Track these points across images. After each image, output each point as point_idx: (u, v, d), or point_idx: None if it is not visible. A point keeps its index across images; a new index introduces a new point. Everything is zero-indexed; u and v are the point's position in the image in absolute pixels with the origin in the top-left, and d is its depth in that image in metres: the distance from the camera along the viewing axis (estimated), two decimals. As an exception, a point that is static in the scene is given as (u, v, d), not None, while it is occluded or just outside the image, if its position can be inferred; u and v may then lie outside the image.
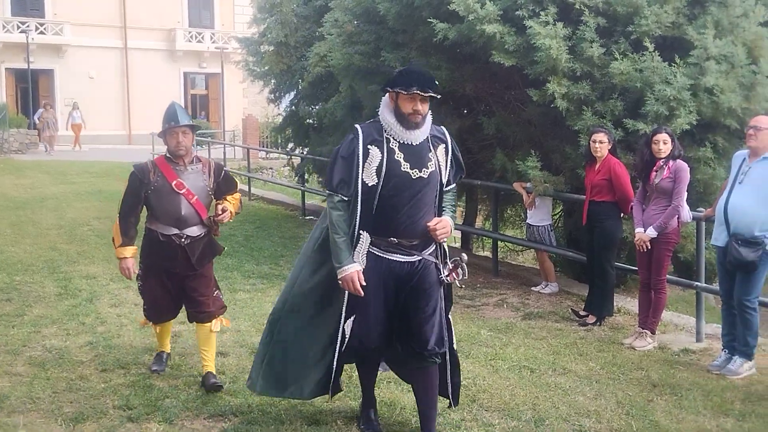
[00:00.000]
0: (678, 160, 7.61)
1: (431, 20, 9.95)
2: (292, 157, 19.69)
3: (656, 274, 7.76)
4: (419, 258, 4.55)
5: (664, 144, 7.55)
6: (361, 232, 4.45)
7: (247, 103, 41.19)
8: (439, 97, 4.57)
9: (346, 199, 4.44)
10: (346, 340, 4.65)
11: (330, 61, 13.02)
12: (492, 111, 11.29)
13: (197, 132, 5.08)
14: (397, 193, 4.39)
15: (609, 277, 8.57)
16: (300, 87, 16.51)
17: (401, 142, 4.43)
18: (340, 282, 4.45)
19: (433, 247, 4.64)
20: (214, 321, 5.77)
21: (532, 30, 9.04)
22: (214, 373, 5.80)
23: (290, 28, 15.91)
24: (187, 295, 5.75)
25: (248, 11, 35.13)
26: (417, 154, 4.45)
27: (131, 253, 5.54)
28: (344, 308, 4.61)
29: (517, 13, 9.38)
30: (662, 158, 7.56)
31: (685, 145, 8.86)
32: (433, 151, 4.53)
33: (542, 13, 9.21)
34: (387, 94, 4.54)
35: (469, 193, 14.22)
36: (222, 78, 41.21)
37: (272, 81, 17.36)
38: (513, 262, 13.98)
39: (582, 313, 8.67)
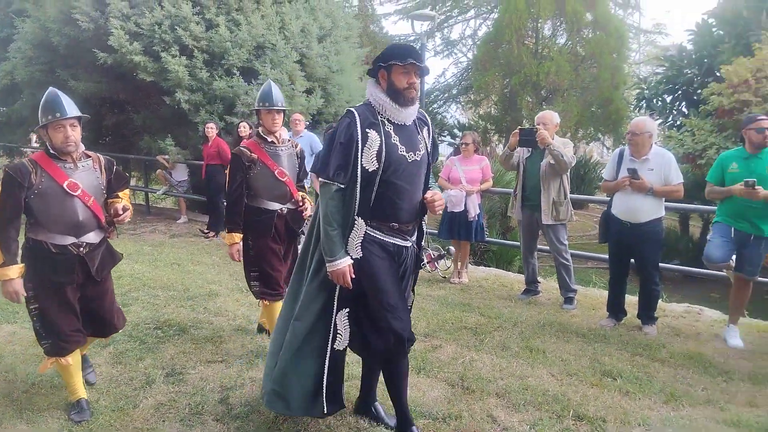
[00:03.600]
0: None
1: (94, 50, 9.50)
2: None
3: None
4: (411, 243, 3.06)
5: (245, 129, 8.05)
6: (356, 218, 2.86)
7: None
8: (428, 70, 3.06)
9: (342, 187, 2.84)
10: (339, 336, 2.94)
11: (16, 76, 11.76)
12: (139, 110, 11.13)
13: None
14: (397, 177, 2.87)
15: (220, 207, 8.86)
16: (-9, 94, 14.43)
17: (395, 123, 2.91)
18: (329, 274, 2.85)
19: (416, 233, 3.11)
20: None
21: (165, 60, 9.16)
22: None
23: (-21, 52, 13.82)
24: (89, 310, 3.40)
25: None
26: (409, 137, 2.95)
27: (17, 272, 3.17)
28: (336, 300, 2.91)
29: (154, 48, 9.33)
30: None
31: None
32: (420, 132, 3.03)
33: (170, 49, 9.37)
34: (377, 76, 2.93)
35: (125, 164, 13.73)
36: None
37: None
38: (159, 206, 13.86)
39: (206, 230, 8.94)
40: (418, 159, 2.95)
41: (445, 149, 26.58)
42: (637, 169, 4.72)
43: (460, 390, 3.70)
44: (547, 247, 5.79)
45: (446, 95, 24.26)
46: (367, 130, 2.83)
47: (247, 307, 5.42)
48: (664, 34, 28.15)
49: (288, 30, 10.19)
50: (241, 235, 4.12)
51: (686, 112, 12.09)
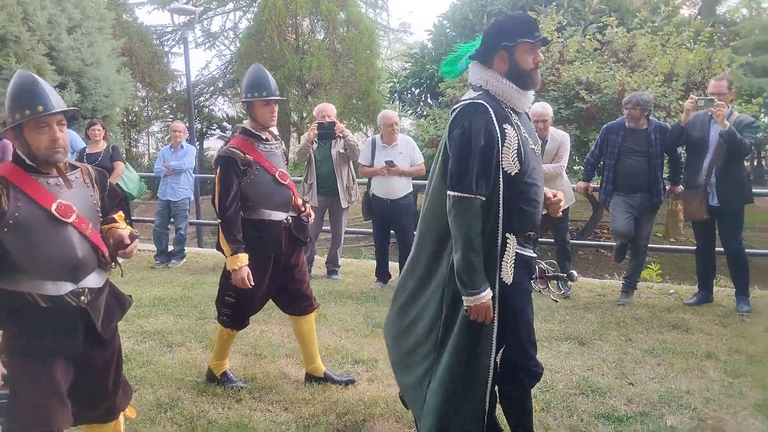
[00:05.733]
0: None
1: None
2: None
3: None
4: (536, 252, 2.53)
5: None
6: (507, 236, 2.32)
7: None
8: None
9: (484, 200, 2.28)
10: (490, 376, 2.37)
11: None
12: None
13: None
14: (534, 178, 2.37)
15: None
16: None
17: (519, 112, 2.42)
18: (466, 310, 2.27)
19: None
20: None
21: None
22: None
23: None
24: (87, 387, 2.28)
25: None
26: (529, 126, 2.47)
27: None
28: (494, 340, 2.34)
29: None
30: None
31: None
32: (530, 119, 2.58)
33: None
34: (492, 58, 2.37)
35: None
36: None
37: None
38: None
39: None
40: (540, 151, 2.52)
41: (215, 143, 26.29)
42: (392, 160, 5.62)
43: (253, 357, 4.12)
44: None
45: (212, 88, 23.91)
46: (504, 126, 2.32)
47: None
48: (410, 33, 31.11)
49: (32, 21, 9.39)
50: (247, 256, 3.25)
51: (431, 103, 13.77)
